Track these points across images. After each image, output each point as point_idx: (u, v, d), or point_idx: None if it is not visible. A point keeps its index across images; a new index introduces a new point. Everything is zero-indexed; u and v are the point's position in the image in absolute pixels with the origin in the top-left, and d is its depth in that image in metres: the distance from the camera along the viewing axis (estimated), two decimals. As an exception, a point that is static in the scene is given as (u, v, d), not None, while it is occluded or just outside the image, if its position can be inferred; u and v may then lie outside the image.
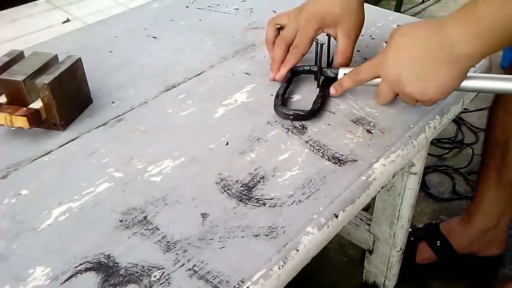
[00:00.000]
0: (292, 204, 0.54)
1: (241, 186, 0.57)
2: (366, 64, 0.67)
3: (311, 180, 0.58)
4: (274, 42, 0.77)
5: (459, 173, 1.51)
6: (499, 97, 1.02)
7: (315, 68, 0.75)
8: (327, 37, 0.76)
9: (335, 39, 0.74)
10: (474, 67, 0.73)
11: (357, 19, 0.73)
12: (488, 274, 1.20)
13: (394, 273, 1.09)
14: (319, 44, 0.73)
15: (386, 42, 0.70)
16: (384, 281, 1.11)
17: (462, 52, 0.57)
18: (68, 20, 1.69)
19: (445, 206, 1.40)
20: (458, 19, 0.58)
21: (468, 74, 0.62)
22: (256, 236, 0.51)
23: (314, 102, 0.70)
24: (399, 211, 0.98)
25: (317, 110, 0.69)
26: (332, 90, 0.70)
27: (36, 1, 1.85)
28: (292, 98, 0.73)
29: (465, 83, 0.62)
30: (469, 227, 1.15)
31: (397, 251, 1.04)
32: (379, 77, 0.65)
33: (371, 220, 1.05)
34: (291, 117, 0.68)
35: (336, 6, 0.71)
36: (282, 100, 0.70)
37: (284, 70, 0.74)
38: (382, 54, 0.64)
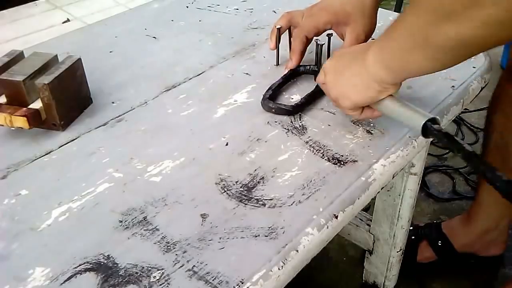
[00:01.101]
0: (292, 204, 0.54)
1: (240, 187, 0.57)
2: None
3: (311, 181, 0.57)
4: (276, 34, 0.77)
5: (459, 173, 1.51)
6: (496, 101, 1.01)
7: (314, 68, 0.75)
8: (327, 37, 0.76)
9: (342, 38, 0.74)
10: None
11: (369, 23, 0.73)
12: (488, 274, 1.19)
13: (394, 273, 1.09)
14: (319, 45, 0.73)
15: None
16: (384, 281, 1.11)
17: (368, 62, 0.58)
18: (68, 20, 1.69)
19: (445, 206, 1.40)
20: (382, 35, 0.58)
21: (384, 98, 0.60)
22: (256, 236, 0.51)
23: (301, 98, 0.70)
24: (399, 211, 0.97)
25: (300, 106, 0.69)
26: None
27: (36, 1, 1.85)
28: (286, 95, 0.73)
29: (378, 105, 0.61)
30: (470, 227, 1.14)
31: (397, 252, 1.04)
32: None
33: (371, 221, 1.04)
34: (273, 110, 0.68)
35: (349, 6, 0.72)
36: (271, 93, 0.70)
37: (294, 58, 0.75)
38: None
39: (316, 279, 1.17)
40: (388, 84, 0.59)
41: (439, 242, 1.17)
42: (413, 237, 1.16)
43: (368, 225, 1.06)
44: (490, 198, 1.09)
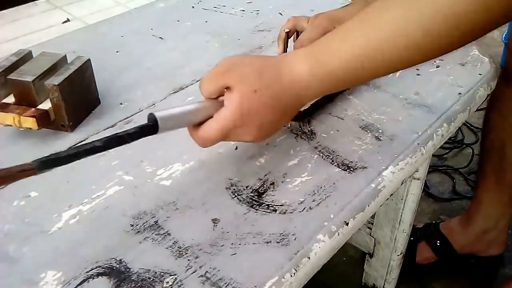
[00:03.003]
0: (302, 211, 0.55)
1: (251, 192, 0.57)
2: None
3: (321, 187, 0.58)
4: (284, 39, 0.77)
5: (459, 173, 1.52)
6: (493, 102, 1.02)
7: None
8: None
9: None
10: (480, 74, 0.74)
11: None
12: (488, 274, 1.20)
13: (394, 277, 1.10)
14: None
15: None
16: (384, 284, 1.11)
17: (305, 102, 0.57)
18: (68, 20, 1.68)
19: (445, 206, 1.41)
20: (311, 76, 0.54)
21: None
22: (268, 243, 0.51)
23: (310, 104, 0.70)
24: (401, 215, 0.98)
25: (308, 111, 0.69)
26: None
27: (36, 1, 1.84)
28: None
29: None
30: (469, 227, 1.15)
31: (398, 255, 1.05)
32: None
33: (372, 224, 1.05)
34: None
35: (351, 15, 0.72)
36: None
37: None
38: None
39: (316, 279, 1.17)
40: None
41: (438, 242, 1.17)
42: (411, 238, 1.17)
43: (370, 228, 1.06)
44: (489, 197, 1.10)
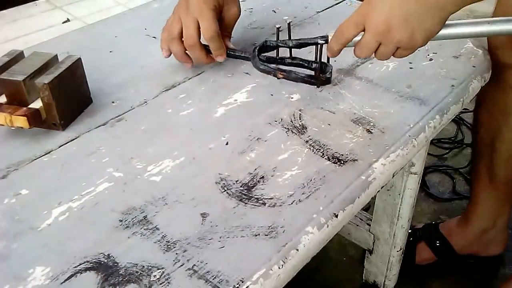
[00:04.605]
0: (292, 203, 0.54)
1: (240, 186, 0.57)
2: (349, 19, 0.63)
3: (311, 180, 0.58)
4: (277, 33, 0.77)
5: (459, 173, 1.51)
6: (481, 98, 1.01)
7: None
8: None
9: None
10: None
11: None
12: (488, 274, 1.19)
13: (394, 273, 1.09)
14: (318, 45, 0.73)
15: None
16: (384, 281, 1.11)
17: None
18: (68, 20, 1.69)
19: (445, 206, 1.40)
20: None
21: (447, 22, 0.61)
22: (256, 235, 0.51)
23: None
24: (399, 211, 0.98)
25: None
26: (327, 54, 0.70)
27: (36, 1, 1.85)
28: (286, 95, 0.73)
29: (446, 31, 0.62)
30: (468, 227, 1.14)
31: (397, 251, 1.04)
32: (363, 30, 0.63)
33: (371, 220, 1.05)
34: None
35: None
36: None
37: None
38: (365, 4, 0.61)
39: (316, 279, 1.17)
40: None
41: (438, 243, 1.17)
42: (411, 239, 1.16)
43: (368, 224, 1.06)
44: (484, 197, 1.09)
